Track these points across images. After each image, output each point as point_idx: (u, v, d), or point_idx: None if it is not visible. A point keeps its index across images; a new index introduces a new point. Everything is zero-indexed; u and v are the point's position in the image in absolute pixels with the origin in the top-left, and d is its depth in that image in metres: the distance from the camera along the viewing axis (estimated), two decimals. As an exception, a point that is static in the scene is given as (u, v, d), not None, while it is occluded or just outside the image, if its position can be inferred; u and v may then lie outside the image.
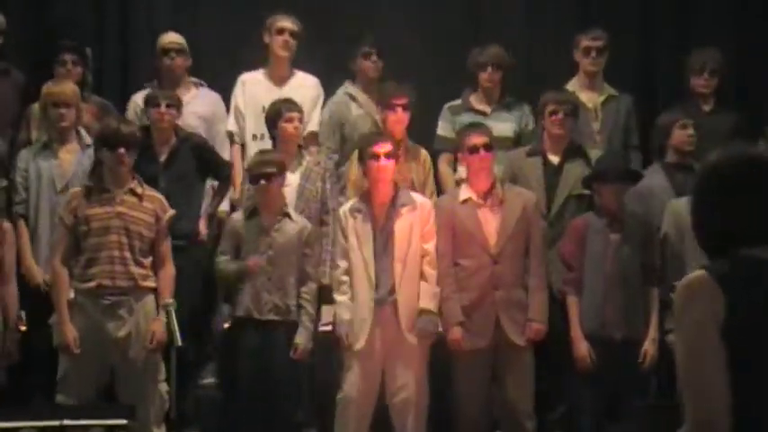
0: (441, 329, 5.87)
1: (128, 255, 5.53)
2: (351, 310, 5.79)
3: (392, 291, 5.78)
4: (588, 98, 6.80)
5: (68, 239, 5.57)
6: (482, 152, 5.81)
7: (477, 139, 5.83)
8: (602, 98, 6.83)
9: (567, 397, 6.06)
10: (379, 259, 5.78)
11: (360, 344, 5.75)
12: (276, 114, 6.22)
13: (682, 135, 6.33)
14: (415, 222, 5.82)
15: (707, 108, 6.81)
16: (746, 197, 2.67)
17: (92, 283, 5.51)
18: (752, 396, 2.57)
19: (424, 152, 6.35)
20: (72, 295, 5.57)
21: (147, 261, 5.58)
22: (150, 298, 5.58)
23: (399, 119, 6.17)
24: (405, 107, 6.17)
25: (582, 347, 5.83)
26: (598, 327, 5.84)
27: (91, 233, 5.52)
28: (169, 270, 5.65)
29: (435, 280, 5.80)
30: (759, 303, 2.56)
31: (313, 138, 6.73)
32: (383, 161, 5.78)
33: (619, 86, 6.92)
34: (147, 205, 5.60)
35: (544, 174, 6.21)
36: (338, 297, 5.84)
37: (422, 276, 5.81)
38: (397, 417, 5.82)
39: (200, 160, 6.29)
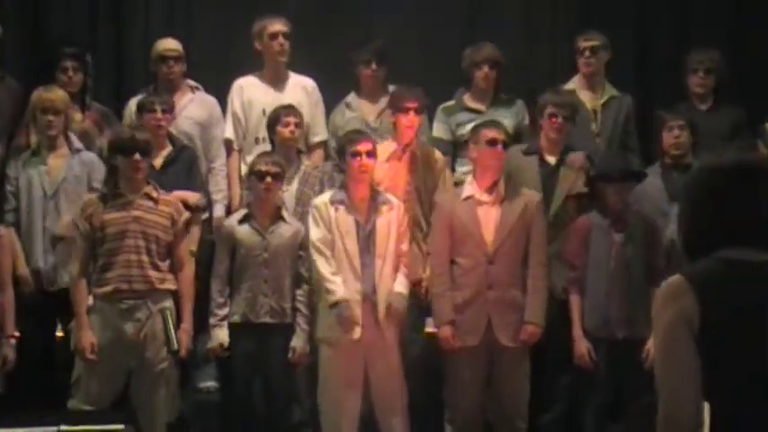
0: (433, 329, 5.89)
1: (145, 258, 5.54)
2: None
3: (375, 287, 5.77)
4: (587, 98, 6.77)
5: (85, 247, 5.58)
6: (498, 147, 5.80)
7: (495, 134, 5.82)
8: (602, 99, 6.80)
9: (566, 397, 6.05)
10: (362, 254, 5.77)
11: (357, 334, 5.71)
12: (275, 119, 6.26)
13: (668, 138, 6.31)
14: (392, 222, 5.83)
15: (704, 107, 6.78)
16: (727, 201, 2.70)
17: (108, 288, 5.52)
18: (725, 396, 2.62)
19: (437, 155, 6.32)
20: (91, 301, 5.58)
21: (165, 264, 5.59)
22: (168, 301, 5.58)
23: (411, 122, 6.15)
24: (416, 111, 6.16)
25: (581, 346, 5.83)
26: (601, 326, 5.84)
27: (107, 238, 5.53)
28: (188, 272, 5.68)
29: (405, 275, 5.81)
30: (727, 304, 2.61)
31: (320, 147, 6.75)
32: (364, 159, 5.77)
33: (618, 87, 6.89)
34: (163, 209, 5.61)
35: (540, 173, 6.17)
36: (330, 279, 5.73)
37: (397, 270, 5.82)
38: (383, 414, 5.81)
39: (191, 174, 6.32)
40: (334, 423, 5.77)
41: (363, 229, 5.80)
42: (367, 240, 5.79)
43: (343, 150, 5.88)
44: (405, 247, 5.86)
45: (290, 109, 6.31)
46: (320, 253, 5.77)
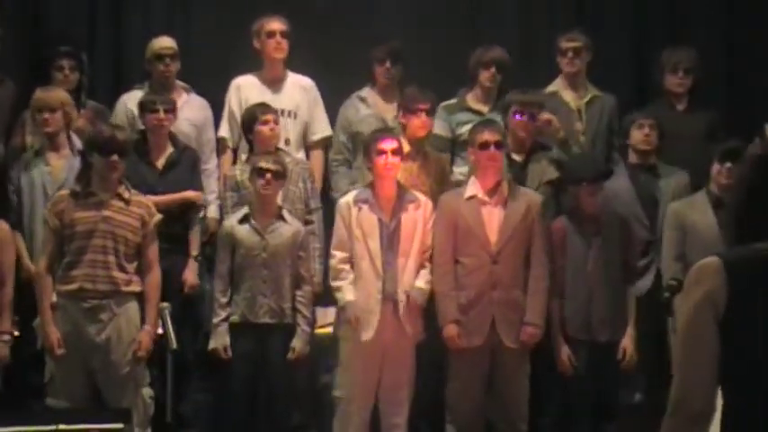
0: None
1: (111, 259, 5.51)
2: (354, 293, 5.77)
3: (397, 285, 5.79)
4: (571, 98, 6.80)
5: (53, 242, 5.56)
6: (492, 149, 5.80)
7: (489, 136, 5.82)
8: (585, 99, 6.83)
9: (560, 396, 6.08)
10: (385, 253, 5.79)
11: (368, 335, 5.74)
12: (252, 118, 6.23)
13: (638, 135, 6.35)
14: (419, 220, 5.84)
15: (680, 107, 6.81)
16: None
17: (73, 286, 5.50)
18: (740, 384, 2.59)
19: (443, 159, 6.38)
20: (55, 298, 5.56)
21: (132, 266, 5.57)
22: (133, 303, 5.57)
23: (423, 123, 6.17)
24: (428, 112, 6.19)
25: (562, 351, 5.85)
26: (583, 329, 5.85)
27: (75, 236, 5.51)
28: (156, 275, 5.63)
29: (431, 270, 5.82)
30: (756, 292, 2.58)
31: (320, 145, 6.76)
32: (390, 158, 5.78)
33: (608, 87, 6.92)
34: (134, 210, 5.58)
35: (509, 171, 6.16)
36: (337, 283, 5.81)
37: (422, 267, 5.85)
38: (388, 413, 5.84)
39: (192, 175, 6.32)
40: (346, 417, 5.81)
41: (387, 227, 5.81)
42: (391, 239, 5.80)
43: (368, 148, 5.88)
44: (431, 242, 5.86)
45: (266, 107, 6.29)
46: (335, 265, 5.83)
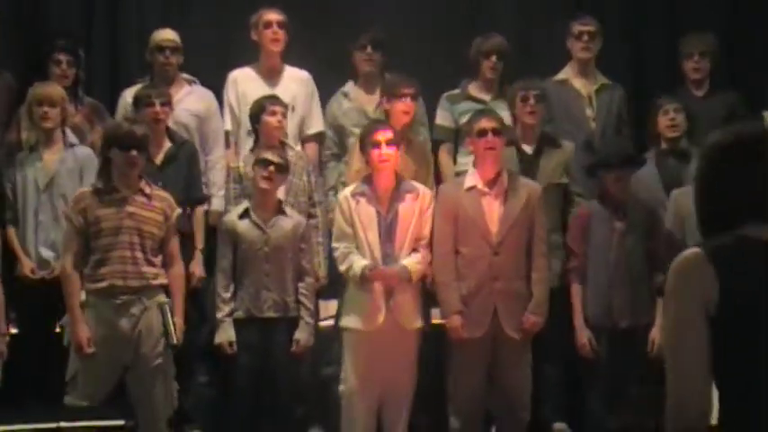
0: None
1: (139, 255, 5.49)
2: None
3: None
4: (581, 85, 6.82)
5: (79, 241, 5.53)
6: (490, 136, 5.76)
7: (486, 123, 5.79)
8: (595, 86, 6.83)
9: (564, 385, 6.04)
10: (383, 244, 5.76)
11: (370, 326, 5.71)
12: (260, 109, 6.20)
13: (664, 121, 6.37)
14: (417, 210, 5.80)
15: (700, 93, 6.82)
16: (744, 173, 2.61)
17: (103, 284, 5.47)
18: (741, 377, 2.52)
19: (424, 144, 6.38)
20: (83, 296, 5.53)
21: (158, 259, 5.56)
22: (162, 296, 5.56)
23: (407, 108, 6.16)
24: (412, 97, 6.17)
25: (583, 336, 5.84)
26: (603, 315, 5.84)
27: (102, 234, 5.49)
28: (179, 267, 5.66)
29: (422, 256, 5.77)
30: (747, 283, 2.51)
31: (315, 139, 6.74)
32: (385, 149, 5.75)
33: (611, 76, 6.92)
34: (156, 204, 5.57)
35: (519, 164, 6.15)
36: (347, 262, 5.74)
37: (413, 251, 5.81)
38: (390, 404, 5.81)
39: (190, 169, 6.29)
40: (352, 410, 5.77)
41: (385, 219, 5.78)
42: (389, 230, 5.77)
43: (363, 140, 5.85)
44: (426, 232, 5.80)
45: (275, 99, 6.27)
46: (342, 251, 5.79)
